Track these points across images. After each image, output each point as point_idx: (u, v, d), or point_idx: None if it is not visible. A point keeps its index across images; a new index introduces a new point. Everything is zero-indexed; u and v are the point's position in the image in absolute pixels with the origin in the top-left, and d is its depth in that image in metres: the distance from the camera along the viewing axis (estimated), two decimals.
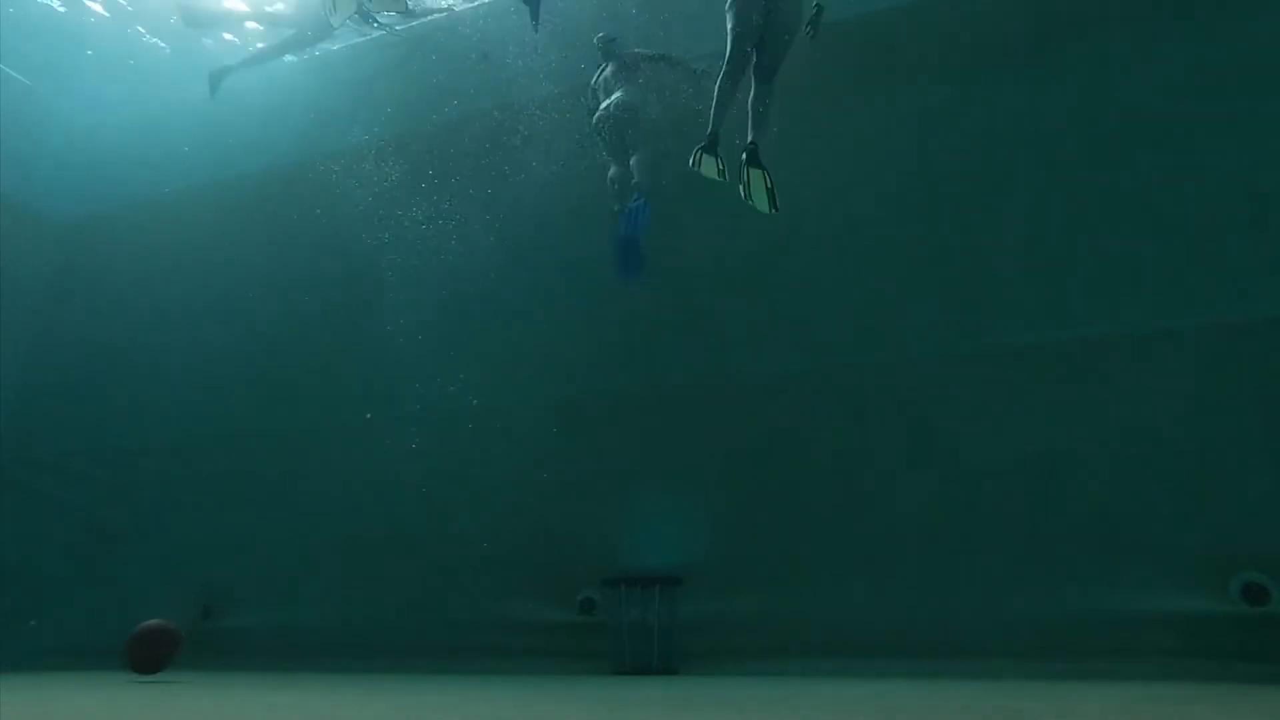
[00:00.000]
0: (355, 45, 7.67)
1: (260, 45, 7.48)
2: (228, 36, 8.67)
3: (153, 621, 4.49)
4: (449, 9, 7.34)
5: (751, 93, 4.91)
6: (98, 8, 8.67)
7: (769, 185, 4.60)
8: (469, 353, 6.07)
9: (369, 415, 6.28)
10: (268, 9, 8.36)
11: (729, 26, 4.85)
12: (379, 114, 7.09)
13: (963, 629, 4.30)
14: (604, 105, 5.64)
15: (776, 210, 4.65)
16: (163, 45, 9.06)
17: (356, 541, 5.96)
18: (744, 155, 4.65)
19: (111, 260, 7.93)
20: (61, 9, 8.49)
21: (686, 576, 4.95)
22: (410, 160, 6.78)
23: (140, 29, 8.92)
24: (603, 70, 5.88)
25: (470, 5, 7.23)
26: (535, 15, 5.87)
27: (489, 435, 5.82)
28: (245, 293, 7.15)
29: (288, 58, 7.48)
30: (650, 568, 5.03)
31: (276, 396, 6.70)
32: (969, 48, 5.37)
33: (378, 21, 6.95)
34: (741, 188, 4.67)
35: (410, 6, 6.77)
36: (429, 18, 7.34)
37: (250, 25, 8.12)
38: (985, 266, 4.96)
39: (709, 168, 4.78)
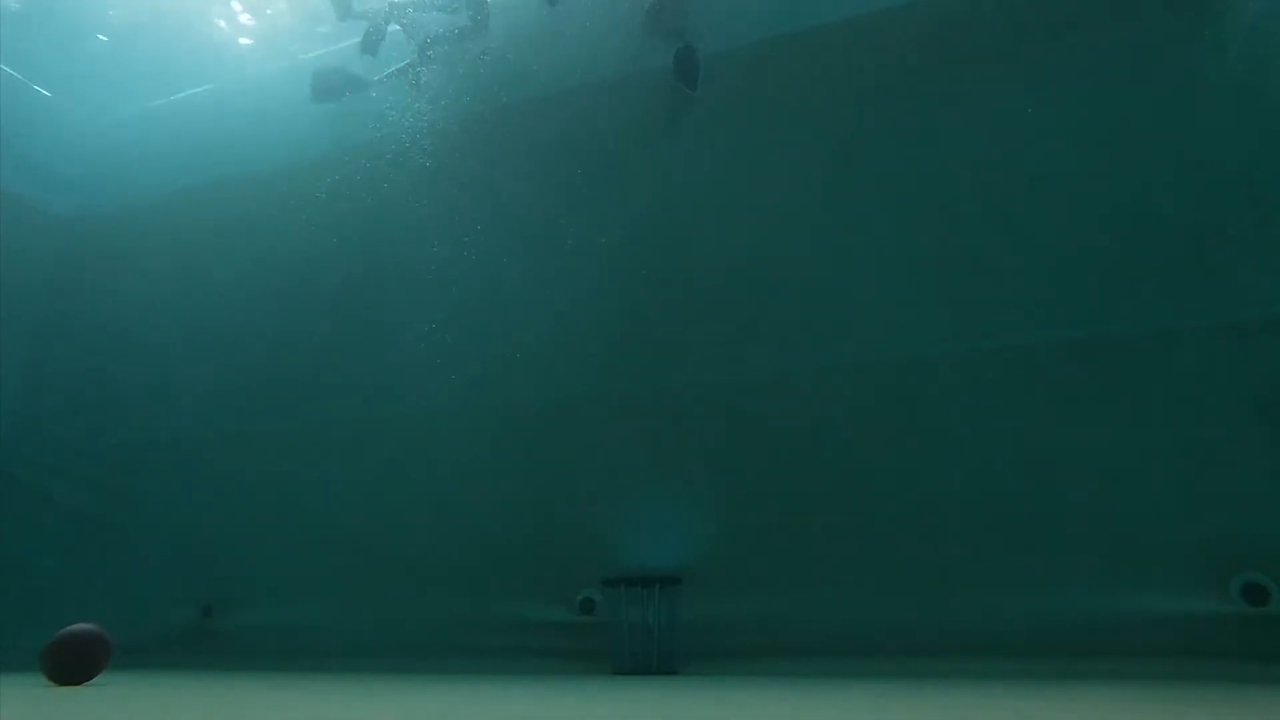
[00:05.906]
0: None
1: None
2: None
3: (74, 628, 3.91)
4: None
5: None
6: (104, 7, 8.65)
7: None
8: (469, 352, 6.08)
9: (370, 415, 6.29)
10: None
11: None
12: (381, 114, 7.10)
13: (963, 629, 4.31)
14: None
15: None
16: (165, 44, 9.03)
17: (357, 541, 5.97)
18: None
19: (113, 260, 7.94)
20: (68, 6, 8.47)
21: (686, 576, 4.96)
22: (412, 160, 6.80)
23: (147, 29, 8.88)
24: None
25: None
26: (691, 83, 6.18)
27: (489, 435, 5.83)
28: (246, 292, 7.16)
29: None
30: (650, 568, 5.04)
31: (278, 396, 6.71)
32: (969, 48, 5.37)
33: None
34: None
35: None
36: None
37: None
38: (985, 266, 4.97)
39: None
